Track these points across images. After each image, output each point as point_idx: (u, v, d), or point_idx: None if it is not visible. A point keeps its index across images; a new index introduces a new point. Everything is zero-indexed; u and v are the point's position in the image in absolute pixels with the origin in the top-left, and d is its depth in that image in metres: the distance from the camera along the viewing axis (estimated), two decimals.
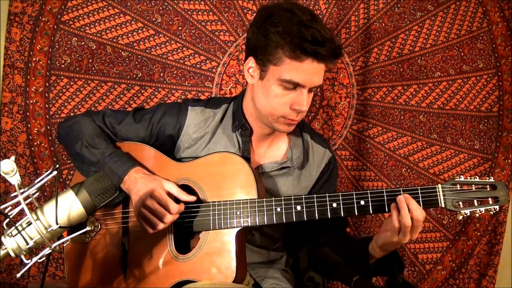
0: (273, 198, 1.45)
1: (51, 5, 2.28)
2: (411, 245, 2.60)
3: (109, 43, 2.33)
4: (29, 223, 1.08)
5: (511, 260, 2.65)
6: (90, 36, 2.32)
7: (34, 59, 2.27)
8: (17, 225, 1.08)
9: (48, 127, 2.30)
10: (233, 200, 1.46)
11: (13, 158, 1.09)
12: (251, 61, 1.51)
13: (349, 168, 2.55)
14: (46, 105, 2.30)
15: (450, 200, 1.38)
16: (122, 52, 2.34)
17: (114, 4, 2.33)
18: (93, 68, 2.32)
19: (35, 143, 2.29)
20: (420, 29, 2.58)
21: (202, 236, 1.47)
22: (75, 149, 1.54)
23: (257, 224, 1.44)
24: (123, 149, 1.58)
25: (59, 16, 2.29)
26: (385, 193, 1.40)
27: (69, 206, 1.11)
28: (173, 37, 2.38)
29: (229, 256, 1.42)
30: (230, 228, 1.45)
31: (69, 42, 2.30)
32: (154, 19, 2.36)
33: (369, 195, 1.41)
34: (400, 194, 1.38)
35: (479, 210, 1.38)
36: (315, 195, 1.44)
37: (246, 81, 1.58)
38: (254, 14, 2.39)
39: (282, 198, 1.45)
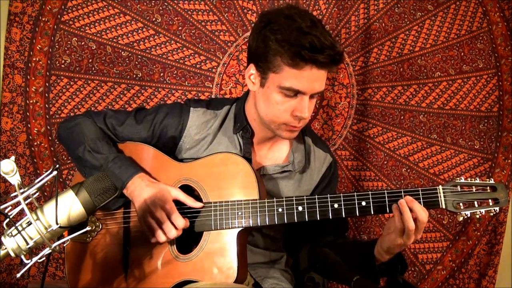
0: (274, 199, 1.45)
1: (51, 5, 2.28)
2: (411, 245, 2.59)
3: (109, 43, 2.33)
4: (29, 223, 1.08)
5: (511, 260, 2.65)
6: (90, 36, 2.31)
7: (34, 59, 2.27)
8: (17, 225, 1.07)
9: (48, 127, 2.30)
10: (234, 201, 1.45)
11: (13, 158, 1.09)
12: (252, 68, 1.50)
13: (349, 168, 2.55)
14: (46, 105, 2.30)
15: (450, 201, 1.39)
16: (122, 52, 2.34)
17: (114, 4, 2.33)
18: (93, 68, 2.32)
19: (35, 143, 2.29)
20: (420, 29, 2.58)
21: (203, 236, 1.46)
22: (77, 153, 1.54)
23: (259, 224, 1.44)
24: (125, 150, 1.58)
25: (59, 16, 2.29)
26: (386, 194, 1.40)
27: (69, 206, 1.11)
28: (173, 37, 2.38)
29: (230, 256, 1.42)
30: (232, 228, 1.45)
31: (69, 42, 2.29)
32: (154, 19, 2.36)
33: (370, 196, 1.41)
34: (401, 195, 1.38)
35: (480, 211, 1.39)
36: (316, 196, 1.44)
37: (248, 89, 1.58)
38: (254, 14, 2.41)
39: (284, 198, 1.45)
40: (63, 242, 1.13)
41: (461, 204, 1.40)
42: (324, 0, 2.46)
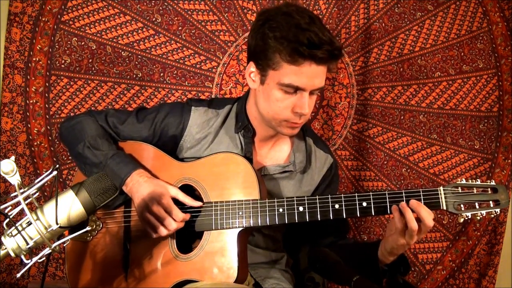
0: (275, 199, 1.45)
1: (51, 5, 2.28)
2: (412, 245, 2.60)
3: (109, 43, 2.33)
4: (29, 223, 1.08)
5: (511, 260, 2.65)
6: (90, 36, 2.31)
7: (34, 59, 2.27)
8: (17, 225, 1.07)
9: (48, 127, 2.30)
10: (235, 201, 1.45)
11: (13, 158, 1.09)
12: (251, 66, 1.51)
13: (349, 168, 2.55)
14: (46, 105, 2.30)
15: (451, 203, 1.39)
16: (122, 52, 2.34)
17: (114, 4, 2.33)
18: (93, 68, 2.32)
19: (35, 143, 2.29)
20: (420, 29, 2.58)
21: (204, 236, 1.46)
22: (77, 150, 1.54)
23: (259, 224, 1.44)
24: (126, 149, 1.58)
25: (59, 16, 2.29)
26: (387, 195, 1.40)
27: (69, 206, 1.11)
28: (173, 37, 2.38)
29: (231, 256, 1.42)
30: (232, 228, 1.44)
31: (69, 42, 2.29)
32: (154, 19, 2.36)
33: (371, 196, 1.41)
34: (402, 196, 1.39)
35: (480, 213, 1.39)
36: (317, 196, 1.44)
37: (248, 85, 1.58)
38: (254, 14, 2.41)
39: (285, 198, 1.45)
40: (63, 242, 1.13)
41: (462, 205, 1.40)
42: (324, 0, 2.46)
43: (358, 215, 1.42)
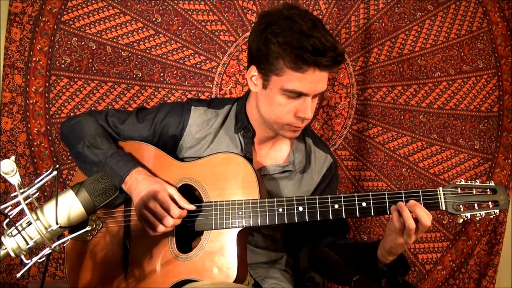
0: (275, 199, 1.45)
1: (51, 5, 2.28)
2: (411, 245, 2.59)
3: (109, 43, 2.33)
4: (29, 223, 1.08)
5: (511, 260, 2.65)
6: (90, 36, 2.31)
7: (34, 59, 2.27)
8: (17, 225, 1.07)
9: (48, 127, 2.30)
10: (235, 200, 1.46)
11: (13, 158, 1.09)
12: (253, 70, 1.50)
13: (349, 168, 2.55)
14: (46, 105, 2.30)
15: (451, 203, 1.40)
16: (122, 52, 2.34)
17: (114, 4, 2.33)
18: (93, 68, 2.32)
19: (35, 143, 2.29)
20: (420, 29, 2.58)
21: (204, 235, 1.47)
22: (77, 149, 1.54)
23: (259, 224, 1.44)
24: (126, 149, 1.58)
25: (59, 16, 2.29)
26: (386, 196, 1.40)
27: (69, 206, 1.11)
28: (173, 37, 2.38)
29: (231, 256, 1.42)
30: (232, 228, 1.45)
31: (69, 42, 2.30)
32: (154, 19, 2.36)
33: (370, 197, 1.41)
34: (402, 196, 1.39)
35: (480, 213, 1.39)
36: (317, 196, 1.44)
37: (249, 89, 1.58)
38: (254, 14, 2.41)
39: (284, 198, 1.45)
40: (63, 242, 1.13)
41: (461, 206, 1.40)
42: (324, 0, 2.46)
43: (358, 215, 1.42)
